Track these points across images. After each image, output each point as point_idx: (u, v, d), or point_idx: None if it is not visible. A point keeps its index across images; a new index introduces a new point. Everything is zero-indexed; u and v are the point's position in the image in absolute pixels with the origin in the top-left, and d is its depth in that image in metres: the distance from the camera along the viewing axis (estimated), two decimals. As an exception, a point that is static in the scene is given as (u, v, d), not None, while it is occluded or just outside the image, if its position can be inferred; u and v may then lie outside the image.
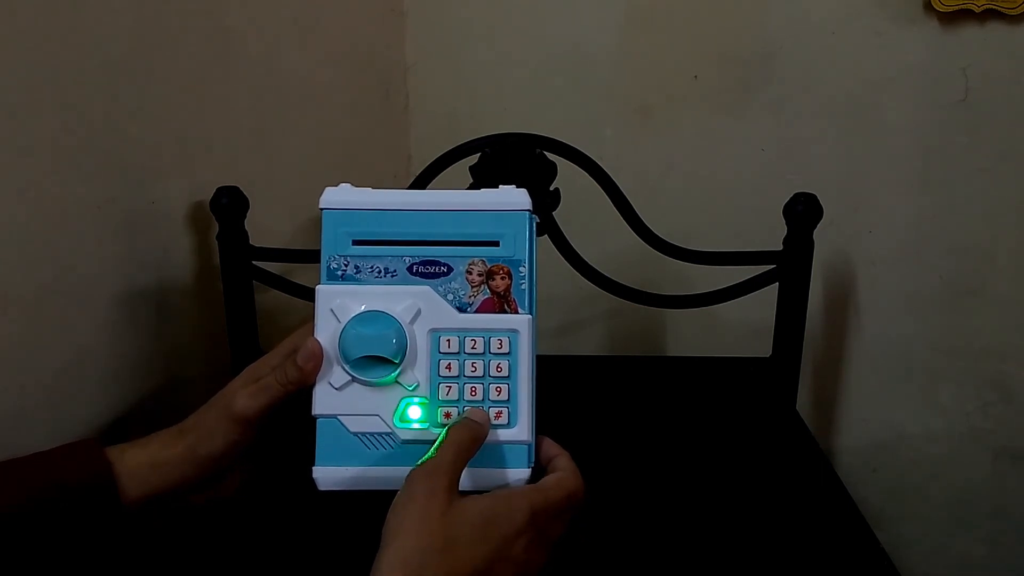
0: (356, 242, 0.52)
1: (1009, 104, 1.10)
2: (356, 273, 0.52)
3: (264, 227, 0.93)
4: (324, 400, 0.51)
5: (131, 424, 0.82)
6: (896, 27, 1.09)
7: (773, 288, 0.89)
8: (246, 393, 0.54)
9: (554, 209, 0.90)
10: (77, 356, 0.76)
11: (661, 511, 0.73)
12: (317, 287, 0.52)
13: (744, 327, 1.12)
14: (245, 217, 0.90)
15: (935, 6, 1.05)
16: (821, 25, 1.11)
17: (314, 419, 0.51)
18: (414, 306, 0.51)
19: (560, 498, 0.49)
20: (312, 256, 0.89)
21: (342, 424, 0.51)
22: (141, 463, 0.53)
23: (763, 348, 0.93)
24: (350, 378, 0.51)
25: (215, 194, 0.88)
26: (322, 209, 0.52)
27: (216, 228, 0.90)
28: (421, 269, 0.51)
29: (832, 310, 1.20)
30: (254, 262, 0.91)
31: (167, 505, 0.55)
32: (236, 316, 0.92)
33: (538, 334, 0.58)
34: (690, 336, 1.24)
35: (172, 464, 0.54)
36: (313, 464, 0.51)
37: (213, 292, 0.93)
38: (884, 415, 1.24)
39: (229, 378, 0.57)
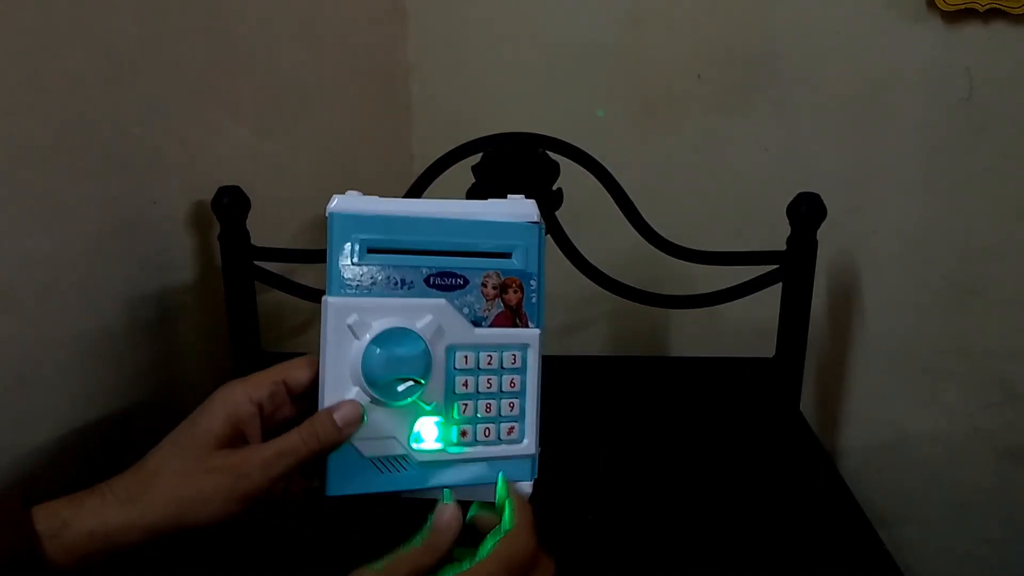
0: (371, 250, 0.47)
1: (1013, 103, 1.09)
2: (371, 284, 0.47)
3: (266, 227, 0.93)
4: None
5: (132, 424, 0.82)
6: (900, 26, 1.09)
7: (777, 288, 0.89)
8: (259, 465, 0.45)
9: (557, 209, 0.90)
10: (78, 355, 0.76)
11: (665, 511, 0.72)
12: (327, 299, 0.47)
13: (748, 327, 1.11)
14: (247, 217, 0.90)
15: (939, 5, 1.05)
16: (825, 24, 1.10)
17: None
18: (435, 322, 0.48)
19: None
20: (314, 256, 0.89)
21: (356, 449, 0.47)
22: (92, 533, 0.42)
23: (767, 348, 0.92)
24: (368, 400, 0.47)
25: (216, 193, 0.88)
26: (330, 213, 0.47)
27: (218, 228, 0.90)
28: (438, 281, 0.48)
29: (836, 310, 1.20)
30: (256, 262, 0.91)
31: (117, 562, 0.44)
32: (238, 316, 0.91)
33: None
34: (693, 336, 1.23)
35: (136, 531, 0.43)
36: (324, 492, 0.47)
37: (214, 292, 0.93)
38: (888, 415, 1.23)
39: (230, 379, 0.53)
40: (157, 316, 0.86)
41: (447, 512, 0.45)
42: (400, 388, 0.46)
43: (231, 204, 0.88)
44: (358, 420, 0.46)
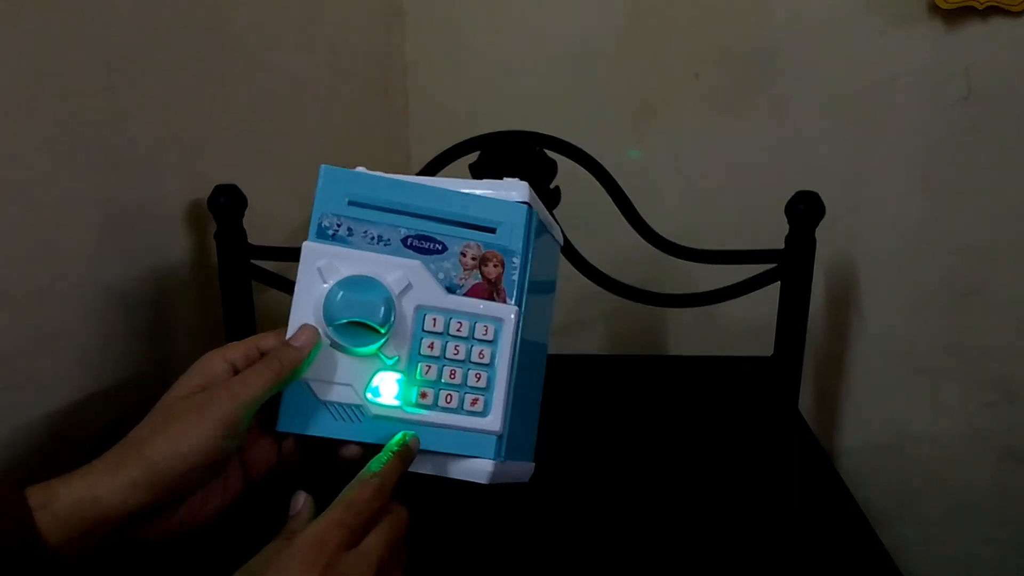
0: (352, 203, 0.50)
1: (1012, 102, 1.09)
2: (348, 235, 0.50)
3: (262, 226, 0.93)
4: None
5: (129, 423, 0.82)
6: (899, 25, 1.08)
7: (775, 287, 0.89)
8: (225, 390, 0.46)
9: (555, 207, 0.89)
10: (74, 354, 0.76)
11: (662, 510, 0.72)
12: (304, 243, 0.49)
13: (746, 326, 1.11)
14: (243, 215, 0.89)
15: (938, 4, 1.05)
16: (823, 23, 1.10)
17: None
18: (404, 278, 0.49)
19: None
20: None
21: (310, 389, 0.49)
22: (83, 498, 0.42)
23: (765, 347, 0.92)
24: (328, 342, 0.49)
25: (213, 192, 0.88)
26: (321, 167, 0.50)
27: (214, 226, 0.89)
28: (415, 243, 0.50)
29: (834, 309, 1.20)
30: (252, 261, 0.91)
31: (111, 544, 0.44)
32: (234, 315, 0.91)
33: (550, 332, 0.57)
34: (692, 335, 1.23)
35: (121, 491, 0.43)
36: (274, 427, 0.49)
37: (211, 291, 0.92)
38: (886, 415, 1.23)
39: None
40: (153, 314, 0.86)
41: (300, 498, 0.47)
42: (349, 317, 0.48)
43: (227, 203, 0.88)
44: (313, 340, 0.48)
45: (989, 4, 1.04)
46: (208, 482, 0.46)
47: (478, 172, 0.89)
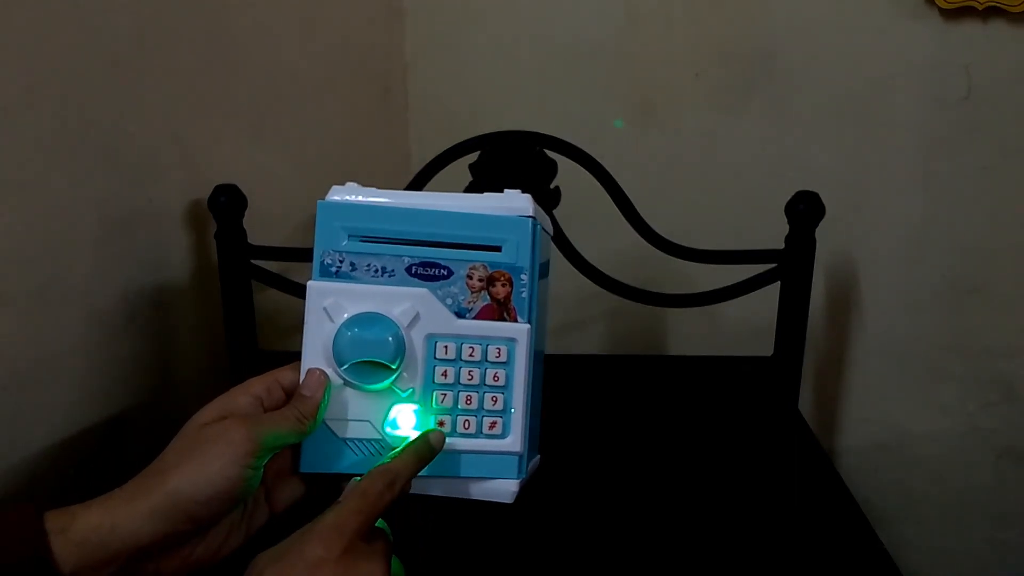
0: (352, 237, 0.49)
1: (1012, 102, 1.09)
2: (352, 271, 0.49)
3: (262, 226, 0.93)
4: None
5: (129, 422, 0.82)
6: (899, 24, 1.08)
7: (775, 287, 0.89)
8: (244, 428, 0.45)
9: (554, 207, 0.89)
10: (74, 354, 0.76)
11: (662, 510, 0.72)
12: (309, 283, 0.49)
13: (746, 326, 1.11)
14: (243, 215, 0.89)
15: (938, 3, 1.05)
16: (823, 22, 1.10)
17: None
18: (412, 309, 0.48)
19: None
20: (311, 255, 0.89)
21: (329, 428, 0.49)
22: (100, 525, 0.42)
23: (765, 347, 0.92)
24: (341, 382, 0.49)
25: (213, 192, 0.88)
26: (319, 202, 0.49)
27: (214, 226, 0.89)
28: (420, 271, 0.49)
29: (834, 309, 1.20)
30: (252, 261, 0.91)
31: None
32: (234, 315, 0.91)
33: (546, 337, 0.56)
34: (691, 335, 1.23)
35: (139, 518, 0.42)
36: (298, 468, 0.49)
37: (211, 291, 0.92)
38: (886, 414, 1.23)
39: (227, 377, 0.54)
40: (153, 315, 0.86)
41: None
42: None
43: (228, 203, 0.88)
44: (322, 384, 0.48)
45: (989, 4, 1.04)
46: (228, 515, 0.46)
47: (478, 172, 0.89)
